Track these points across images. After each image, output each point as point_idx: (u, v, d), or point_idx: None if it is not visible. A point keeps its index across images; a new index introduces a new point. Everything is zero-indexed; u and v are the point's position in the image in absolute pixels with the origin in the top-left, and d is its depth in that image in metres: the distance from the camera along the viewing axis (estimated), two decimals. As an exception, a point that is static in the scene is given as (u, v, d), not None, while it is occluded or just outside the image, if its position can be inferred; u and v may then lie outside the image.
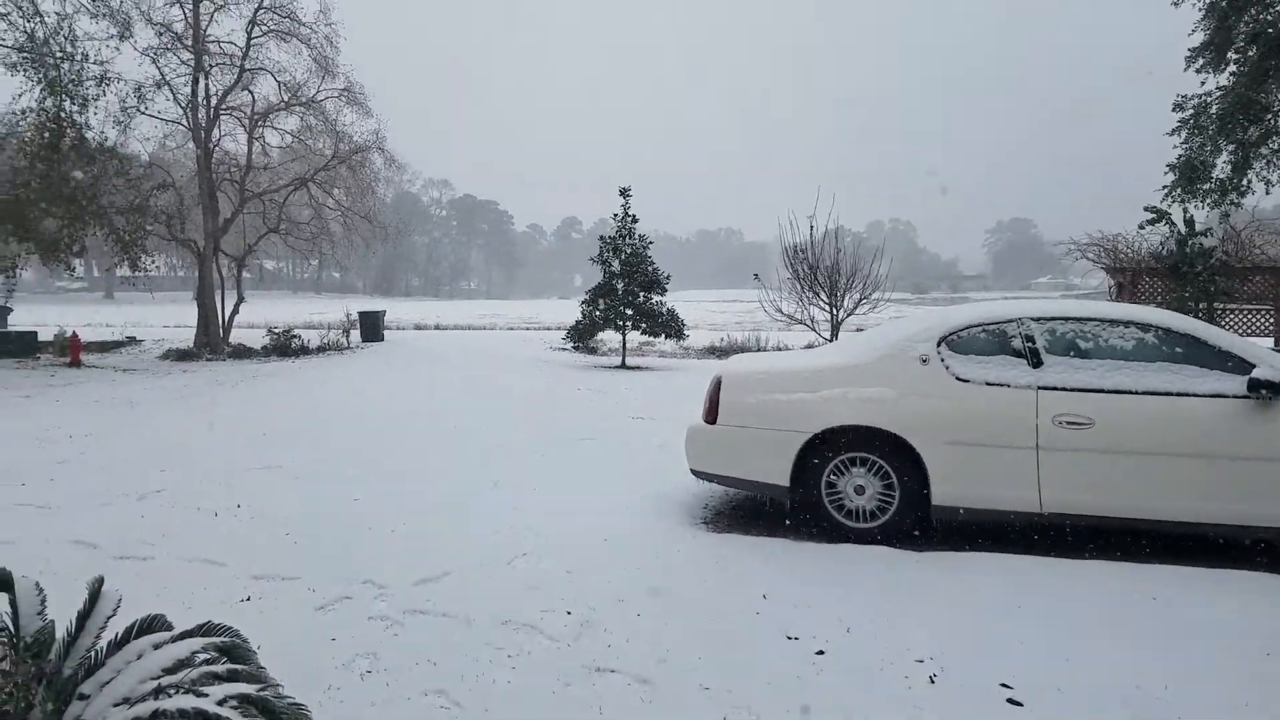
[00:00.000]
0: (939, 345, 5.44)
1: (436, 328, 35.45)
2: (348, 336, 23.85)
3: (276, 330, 21.83)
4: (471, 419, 10.53)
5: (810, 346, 13.86)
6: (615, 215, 18.34)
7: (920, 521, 5.37)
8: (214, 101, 22.17)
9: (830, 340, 16.21)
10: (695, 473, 5.98)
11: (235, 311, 22.76)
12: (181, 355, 20.18)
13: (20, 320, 22.66)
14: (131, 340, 24.44)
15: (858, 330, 12.59)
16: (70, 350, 18.43)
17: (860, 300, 17.05)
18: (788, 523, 5.75)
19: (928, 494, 5.27)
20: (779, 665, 3.60)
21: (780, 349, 17.29)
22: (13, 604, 2.00)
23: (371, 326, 25.51)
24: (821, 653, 3.71)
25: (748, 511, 6.16)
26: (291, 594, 4.38)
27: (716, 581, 4.60)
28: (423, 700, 3.27)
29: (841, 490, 5.45)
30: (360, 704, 3.23)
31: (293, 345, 21.08)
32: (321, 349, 21.74)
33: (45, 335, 21.07)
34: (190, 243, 22.36)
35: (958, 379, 5.30)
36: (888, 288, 17.18)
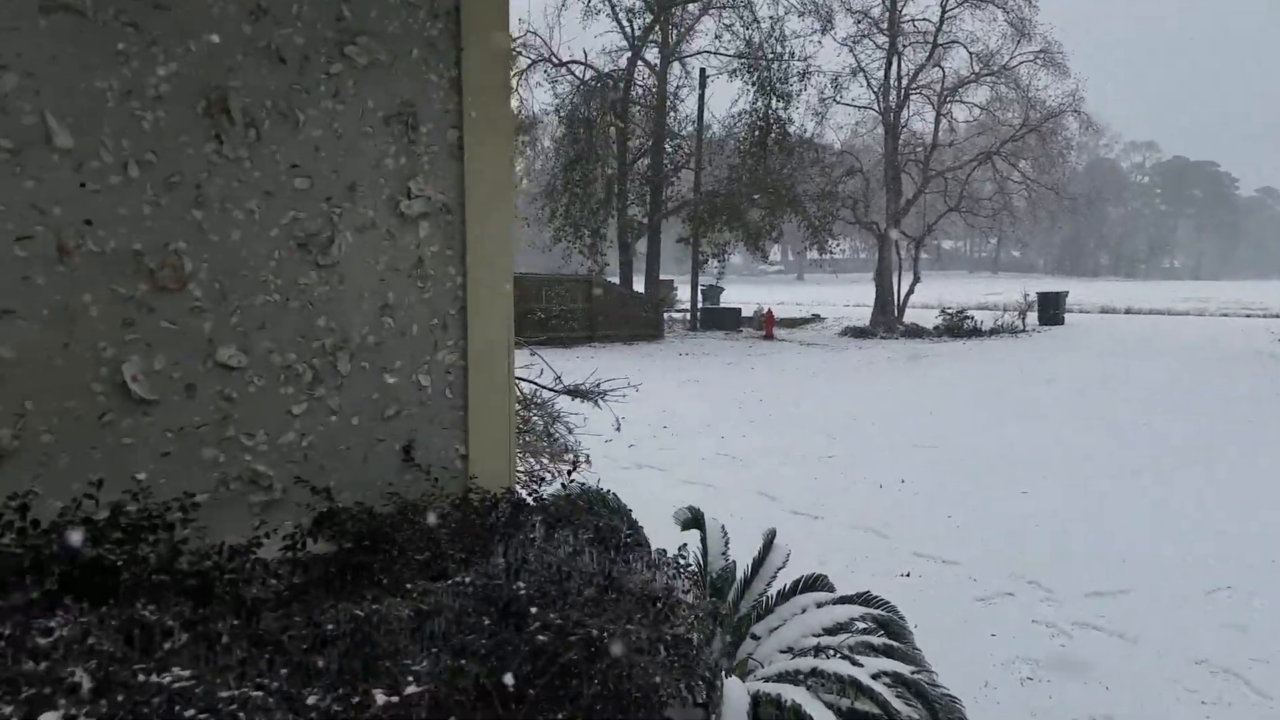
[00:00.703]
0: None
1: (1127, 311, 31.71)
2: (1023, 319, 22.89)
3: (949, 310, 22.13)
4: (1174, 419, 9.08)
5: None
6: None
7: None
8: (904, 83, 23.36)
9: None
10: None
11: (910, 291, 23.73)
12: (858, 333, 21.85)
13: (729, 299, 27.57)
14: (816, 318, 27.36)
15: None
16: (765, 325, 21.54)
17: None
18: None
19: None
20: None
21: None
22: (703, 541, 2.24)
23: (1050, 309, 24.10)
24: None
25: None
26: (951, 578, 4.30)
27: None
28: (1090, 726, 2.92)
29: None
30: (1017, 710, 3.04)
31: (964, 326, 21.14)
32: (994, 331, 21.32)
33: (746, 312, 24.83)
34: (872, 225, 24.00)
35: None
36: None
